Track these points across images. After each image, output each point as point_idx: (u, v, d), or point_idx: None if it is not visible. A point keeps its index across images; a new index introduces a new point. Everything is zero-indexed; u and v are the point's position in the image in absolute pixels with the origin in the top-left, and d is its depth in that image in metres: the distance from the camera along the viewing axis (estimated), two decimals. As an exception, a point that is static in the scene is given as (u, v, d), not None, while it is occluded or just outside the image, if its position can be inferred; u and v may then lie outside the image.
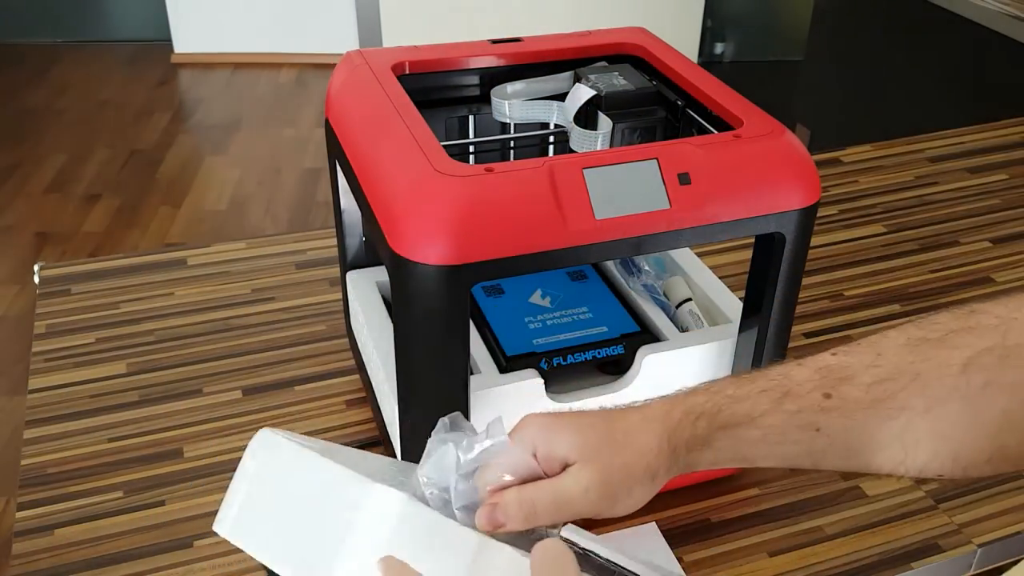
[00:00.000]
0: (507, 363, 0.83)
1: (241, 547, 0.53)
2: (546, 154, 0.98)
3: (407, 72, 0.89)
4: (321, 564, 0.50)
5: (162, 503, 0.89)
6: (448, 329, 0.71)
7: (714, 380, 0.55)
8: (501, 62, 0.92)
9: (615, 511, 0.52)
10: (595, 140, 0.84)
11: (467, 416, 0.76)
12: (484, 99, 0.92)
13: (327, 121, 0.89)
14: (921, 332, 0.52)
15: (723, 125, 0.81)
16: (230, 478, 0.54)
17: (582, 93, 0.86)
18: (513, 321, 0.89)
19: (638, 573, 0.53)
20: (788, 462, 0.54)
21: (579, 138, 0.85)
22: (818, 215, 0.78)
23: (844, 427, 0.51)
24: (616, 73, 0.89)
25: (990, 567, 0.88)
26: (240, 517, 0.54)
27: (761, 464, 0.54)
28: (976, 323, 0.51)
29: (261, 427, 0.56)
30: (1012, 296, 0.51)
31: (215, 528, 0.54)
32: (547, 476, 0.52)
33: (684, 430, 0.52)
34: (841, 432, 0.52)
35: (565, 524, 0.55)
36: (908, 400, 0.50)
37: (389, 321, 0.90)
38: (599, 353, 0.85)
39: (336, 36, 3.85)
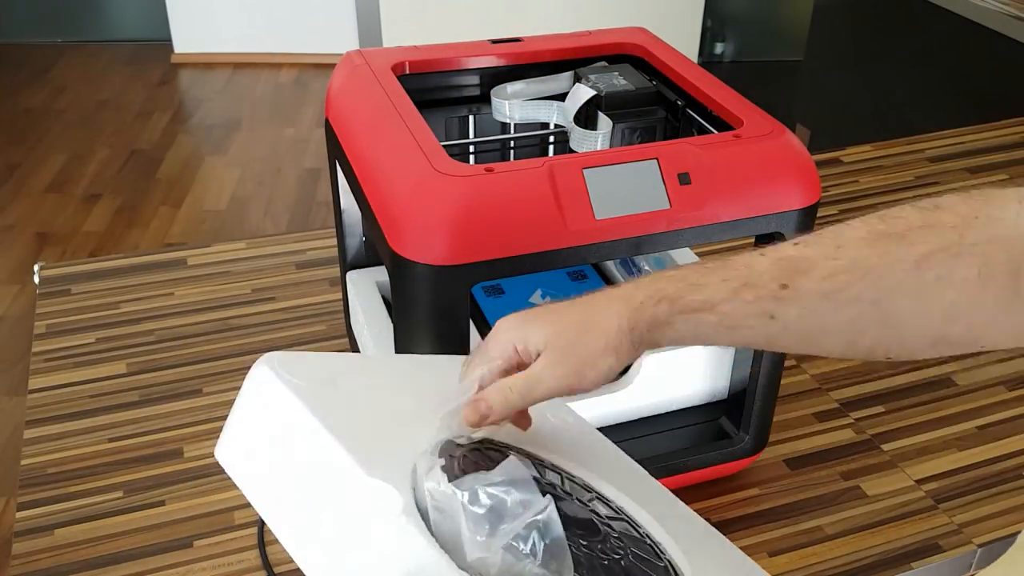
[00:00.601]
0: (507, 363, 0.83)
1: (232, 478, 0.52)
2: (546, 154, 0.98)
3: (407, 72, 0.89)
4: (302, 529, 0.49)
5: (162, 503, 0.89)
6: (448, 329, 0.71)
7: (681, 266, 0.59)
8: (501, 62, 0.92)
9: (584, 384, 0.57)
10: (595, 140, 0.84)
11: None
12: (484, 99, 0.92)
13: (327, 121, 0.89)
14: (883, 225, 0.54)
15: (723, 125, 0.81)
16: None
17: (582, 93, 0.86)
18: (513, 321, 0.89)
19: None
20: (744, 344, 0.59)
21: (579, 138, 0.85)
22: (818, 215, 0.78)
23: (797, 315, 0.55)
24: (616, 73, 0.89)
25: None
26: (231, 448, 0.52)
27: (718, 344, 0.59)
28: (936, 220, 0.53)
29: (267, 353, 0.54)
30: (976, 194, 0.53)
31: (215, 452, 0.53)
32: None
33: (646, 312, 0.56)
34: (794, 320, 0.55)
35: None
36: (861, 292, 0.53)
37: (389, 321, 0.90)
38: (599, 353, 0.85)
39: (336, 36, 3.85)
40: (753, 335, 0.56)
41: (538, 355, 0.57)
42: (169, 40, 3.96)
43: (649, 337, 0.57)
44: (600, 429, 0.88)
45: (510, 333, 0.58)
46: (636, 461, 0.87)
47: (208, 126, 3.54)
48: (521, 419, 0.61)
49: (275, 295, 1.18)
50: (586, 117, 0.87)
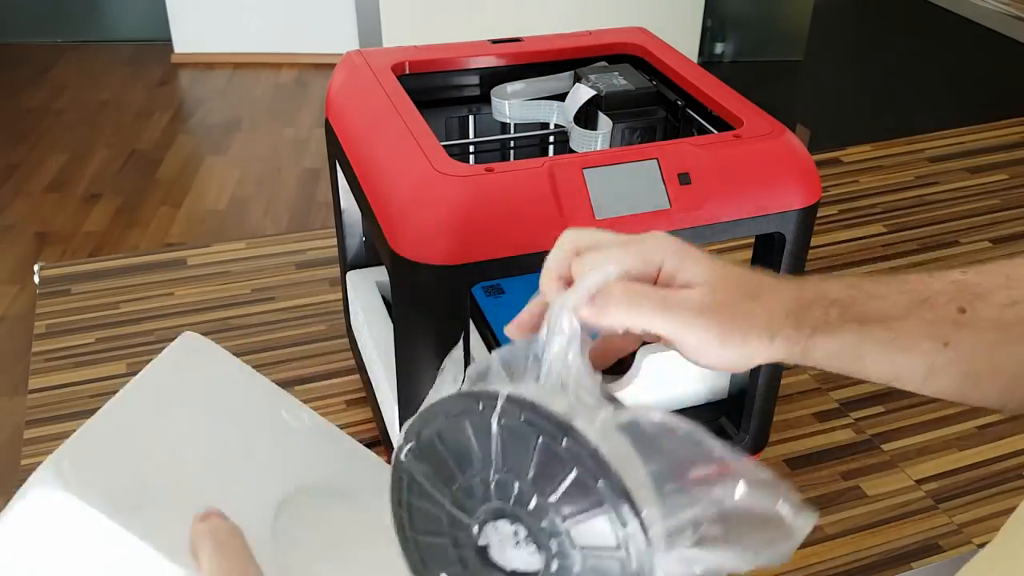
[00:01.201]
0: (507, 363, 0.83)
1: None
2: (546, 154, 0.98)
3: (407, 72, 0.89)
4: None
5: (162, 503, 0.89)
6: (448, 329, 0.71)
7: (847, 274, 0.53)
8: (501, 62, 0.92)
9: (720, 354, 0.48)
10: (595, 140, 0.84)
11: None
12: (484, 99, 0.92)
13: (327, 121, 0.89)
14: None
15: (723, 125, 0.81)
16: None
17: (582, 93, 0.86)
18: (513, 321, 0.89)
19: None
20: (900, 376, 0.52)
21: (579, 138, 0.85)
22: (818, 215, 0.78)
23: (970, 345, 0.50)
24: (616, 73, 0.89)
25: (990, 567, 0.88)
26: None
27: (870, 371, 0.51)
28: None
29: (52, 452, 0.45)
30: None
31: None
32: None
33: (815, 311, 0.50)
34: (968, 350, 0.50)
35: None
36: None
37: (389, 321, 0.90)
38: (599, 353, 0.85)
39: (336, 36, 3.85)
40: (917, 364, 0.51)
41: (685, 286, 0.49)
42: (169, 40, 3.97)
43: (808, 342, 0.50)
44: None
45: (665, 249, 0.49)
46: (636, 461, 0.87)
47: (208, 126, 3.54)
48: (607, 352, 0.54)
49: (275, 295, 1.18)
50: (586, 117, 0.87)
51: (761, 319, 0.49)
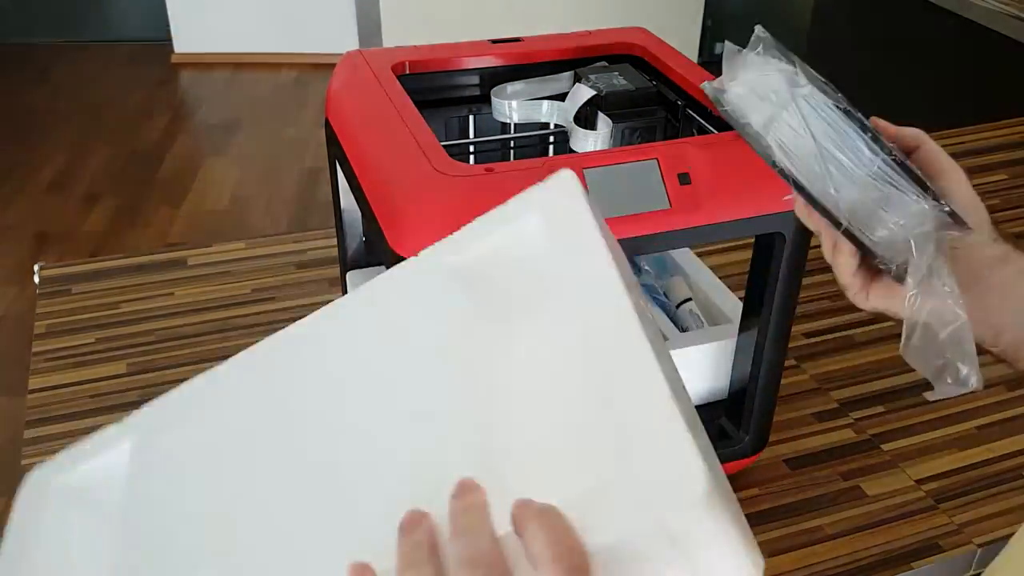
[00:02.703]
0: (507, 363, 0.83)
1: None
2: (546, 154, 0.98)
3: (407, 72, 0.89)
4: None
5: (162, 503, 0.89)
6: (448, 329, 0.71)
7: None
8: (501, 62, 0.92)
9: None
10: (595, 140, 0.84)
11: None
12: (484, 99, 0.92)
13: (327, 121, 0.89)
14: None
15: (723, 125, 0.81)
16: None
17: (582, 93, 0.86)
18: (513, 321, 0.89)
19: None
20: None
21: (579, 138, 0.85)
22: (818, 215, 0.78)
23: None
24: (616, 73, 0.89)
25: (990, 567, 0.88)
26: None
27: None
28: None
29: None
30: None
31: None
32: None
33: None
34: None
35: None
36: None
37: (389, 321, 0.90)
38: (599, 353, 0.85)
39: (336, 36, 3.85)
40: None
41: None
42: (169, 40, 3.96)
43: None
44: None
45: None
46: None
47: (208, 126, 3.54)
48: None
49: (275, 295, 1.18)
50: (586, 117, 0.87)
51: None
